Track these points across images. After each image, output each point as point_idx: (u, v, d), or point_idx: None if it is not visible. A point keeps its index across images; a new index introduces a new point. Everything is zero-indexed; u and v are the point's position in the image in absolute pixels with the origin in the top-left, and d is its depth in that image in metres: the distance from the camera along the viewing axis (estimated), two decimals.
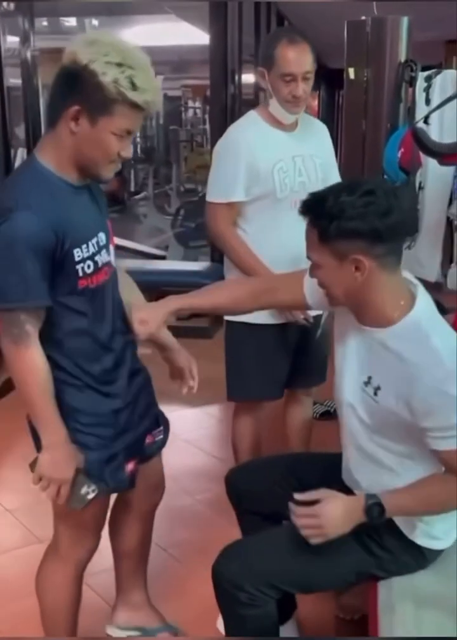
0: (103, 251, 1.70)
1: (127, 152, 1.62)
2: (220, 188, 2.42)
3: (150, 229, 7.17)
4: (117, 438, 1.76)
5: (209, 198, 2.46)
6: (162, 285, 5.41)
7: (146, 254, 5.99)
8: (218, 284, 2.13)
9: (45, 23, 6.96)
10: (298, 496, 1.60)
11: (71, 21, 7.62)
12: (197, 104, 13.20)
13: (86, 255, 1.63)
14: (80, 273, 1.62)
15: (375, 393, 1.60)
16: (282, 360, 2.54)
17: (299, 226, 2.51)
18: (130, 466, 1.80)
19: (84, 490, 1.68)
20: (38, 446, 1.74)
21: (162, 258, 6.25)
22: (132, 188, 9.92)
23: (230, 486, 2.05)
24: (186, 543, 2.73)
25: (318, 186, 2.51)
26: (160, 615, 2.22)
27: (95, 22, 8.01)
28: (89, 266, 1.64)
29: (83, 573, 1.92)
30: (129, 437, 1.80)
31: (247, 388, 2.58)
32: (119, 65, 1.50)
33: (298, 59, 2.30)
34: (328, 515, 1.56)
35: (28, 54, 5.20)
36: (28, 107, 5.30)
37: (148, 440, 1.90)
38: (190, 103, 13.03)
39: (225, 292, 2.01)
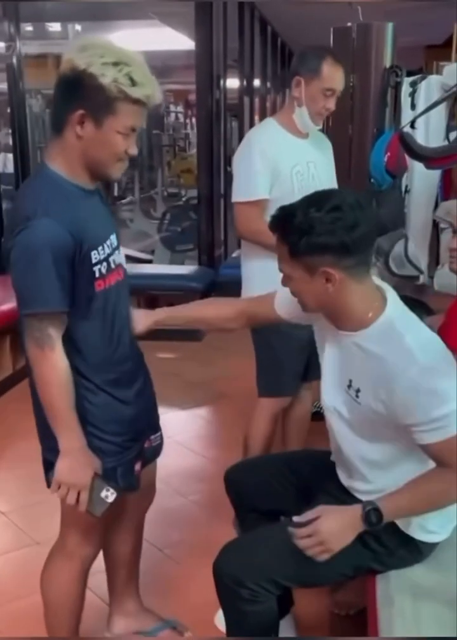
0: (116, 252, 1.74)
1: (133, 150, 1.64)
2: (246, 187, 2.54)
3: (136, 233, 7.18)
4: (131, 443, 1.79)
5: (235, 199, 2.59)
6: (149, 288, 5.44)
7: (132, 258, 6.01)
8: (206, 300, 2.22)
9: (30, 28, 6.95)
10: (296, 519, 1.62)
11: (55, 26, 7.61)
12: (179, 108, 13.22)
13: (102, 257, 1.66)
14: (97, 274, 1.66)
15: (356, 396, 1.64)
16: (301, 356, 2.64)
17: None
18: (137, 467, 1.82)
19: (103, 493, 1.68)
20: (46, 451, 1.76)
21: (149, 262, 6.26)
22: (115, 193, 9.92)
23: (229, 483, 2.07)
24: (181, 543, 2.76)
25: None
26: (156, 615, 2.25)
27: (78, 27, 8.00)
28: (104, 268, 1.67)
29: (88, 571, 1.94)
30: (140, 441, 1.84)
31: (280, 385, 2.68)
32: (116, 64, 1.54)
33: (341, 78, 2.53)
34: (327, 531, 1.58)
35: (14, 59, 5.21)
36: (15, 112, 5.30)
37: (146, 444, 1.92)
38: (172, 108, 13.03)
39: (211, 308, 2.09)
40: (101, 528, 1.88)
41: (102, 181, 1.72)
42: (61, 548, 1.89)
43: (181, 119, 12.97)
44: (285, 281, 1.65)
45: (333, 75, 2.50)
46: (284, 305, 1.86)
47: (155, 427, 1.97)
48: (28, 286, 1.58)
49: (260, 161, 2.51)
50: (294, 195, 2.46)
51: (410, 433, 1.56)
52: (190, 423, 3.95)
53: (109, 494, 1.69)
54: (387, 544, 1.71)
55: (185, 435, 3.72)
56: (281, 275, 1.66)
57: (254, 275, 2.64)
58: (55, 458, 1.71)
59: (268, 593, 1.69)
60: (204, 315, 2.06)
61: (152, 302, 5.64)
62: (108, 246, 1.69)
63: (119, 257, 1.76)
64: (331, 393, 1.73)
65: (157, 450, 1.99)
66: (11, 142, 5.57)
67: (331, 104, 2.53)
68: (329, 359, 1.73)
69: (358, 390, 1.63)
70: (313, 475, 1.91)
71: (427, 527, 1.72)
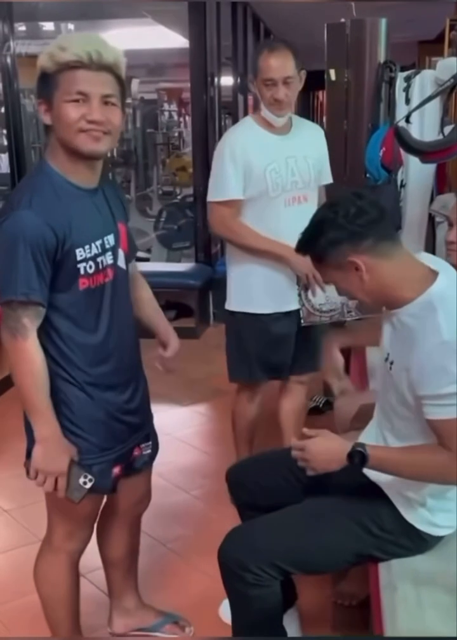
0: (108, 253, 1.72)
1: (93, 115, 1.58)
2: (219, 188, 2.61)
3: (132, 232, 7.16)
4: (110, 445, 1.78)
5: (209, 198, 2.66)
6: None
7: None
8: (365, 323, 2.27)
9: (23, 28, 6.95)
10: (293, 441, 1.76)
11: (49, 26, 7.61)
12: (173, 107, 13.21)
13: (88, 255, 1.65)
14: (82, 272, 1.65)
15: (390, 368, 1.70)
16: (281, 347, 2.72)
17: (291, 221, 2.63)
18: (116, 470, 1.81)
19: (81, 480, 1.70)
20: (29, 442, 1.76)
21: (146, 260, 6.27)
22: None
23: (231, 483, 2.09)
24: (184, 537, 2.78)
25: (311, 185, 2.70)
26: (156, 611, 2.26)
27: (71, 26, 8.00)
28: (90, 267, 1.66)
29: (78, 564, 1.95)
30: (123, 446, 1.83)
31: (246, 370, 2.78)
32: (52, 46, 1.58)
33: (278, 65, 2.52)
34: (315, 451, 1.69)
35: (8, 59, 5.21)
36: (9, 112, 5.30)
37: (135, 452, 1.91)
38: (166, 106, 13.03)
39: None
40: (87, 524, 1.89)
41: (88, 160, 1.65)
42: (49, 544, 1.90)
43: (175, 118, 12.97)
44: (337, 290, 1.76)
45: (268, 65, 2.52)
46: None
47: (147, 436, 1.96)
48: (3, 275, 1.59)
49: (232, 162, 2.57)
50: (269, 193, 2.61)
51: (420, 407, 1.60)
52: (189, 419, 3.97)
53: (87, 481, 1.71)
54: (391, 531, 1.73)
55: (185, 432, 3.74)
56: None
57: (235, 275, 2.76)
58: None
59: (271, 578, 1.71)
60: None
61: None
62: (98, 246, 1.68)
63: (112, 258, 1.73)
64: (378, 371, 1.84)
65: (147, 459, 1.98)
66: (5, 142, 5.57)
67: (279, 94, 2.53)
68: (383, 340, 1.80)
69: (392, 363, 1.70)
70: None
71: (433, 521, 1.74)
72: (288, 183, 2.62)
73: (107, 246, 1.71)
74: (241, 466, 2.14)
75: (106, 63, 1.58)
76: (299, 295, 2.67)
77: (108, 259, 1.72)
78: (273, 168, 2.59)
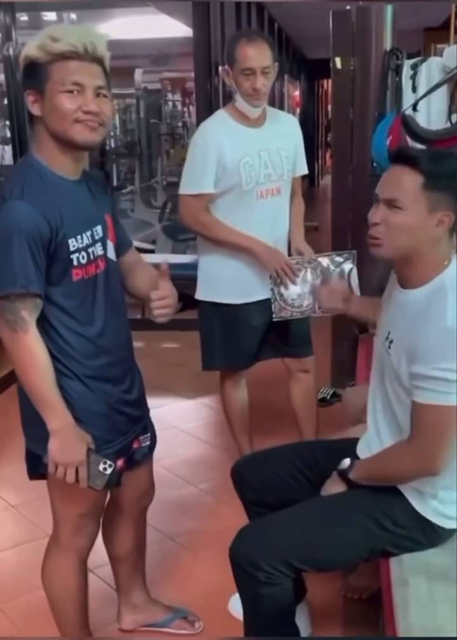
0: (98, 244, 1.72)
1: (89, 106, 1.58)
2: (191, 181, 2.63)
3: (137, 223, 7.15)
4: (112, 438, 1.76)
5: (181, 191, 2.69)
6: None
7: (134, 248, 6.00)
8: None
9: (25, 18, 6.90)
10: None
11: (51, 16, 7.55)
12: (177, 97, 13.15)
13: (80, 246, 1.65)
14: (75, 263, 1.65)
15: (389, 347, 1.69)
16: (248, 335, 2.77)
17: (263, 214, 2.68)
18: (119, 463, 1.79)
19: (101, 466, 1.67)
20: (28, 442, 1.77)
21: (151, 251, 6.25)
22: (114, 183, 9.88)
23: (236, 478, 2.07)
24: (193, 532, 2.77)
25: (285, 177, 2.75)
26: (165, 606, 2.25)
27: (73, 16, 7.94)
28: (83, 257, 1.66)
29: (86, 561, 1.94)
30: (124, 439, 1.82)
31: (215, 359, 2.84)
32: (43, 36, 1.58)
33: (256, 55, 2.52)
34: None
35: (11, 51, 5.18)
36: (12, 103, 5.27)
37: (135, 445, 1.90)
38: (170, 96, 12.97)
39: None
40: (93, 519, 1.87)
41: (79, 151, 1.67)
42: (55, 544, 1.89)
43: (179, 108, 12.91)
44: (391, 215, 1.62)
45: (246, 55, 2.51)
46: None
47: (145, 428, 1.95)
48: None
49: (204, 157, 2.58)
50: (242, 187, 2.62)
51: (410, 387, 1.61)
52: (196, 412, 3.95)
53: (107, 467, 1.68)
54: (404, 525, 1.72)
55: (192, 425, 3.73)
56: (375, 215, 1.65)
57: (204, 265, 2.79)
58: (36, 448, 1.73)
59: (283, 576, 1.70)
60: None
61: None
62: (88, 237, 1.68)
63: (102, 249, 1.73)
64: (376, 350, 1.82)
65: (147, 451, 1.97)
66: (8, 134, 5.54)
67: (257, 83, 2.52)
68: (383, 319, 1.79)
69: (391, 341, 1.69)
70: (327, 465, 1.91)
71: (445, 513, 1.72)
72: (261, 176, 2.65)
73: (96, 237, 1.71)
74: (245, 463, 2.13)
75: (99, 55, 1.60)
76: (272, 290, 2.67)
77: (98, 250, 1.72)
78: (246, 161, 2.60)
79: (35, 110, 1.61)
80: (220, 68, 2.70)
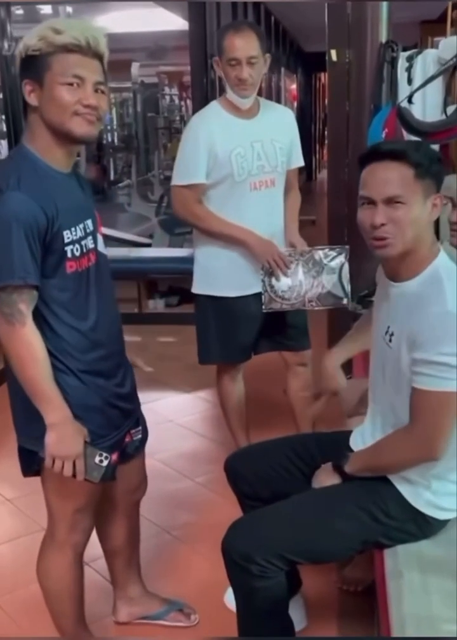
0: (89, 238, 1.72)
1: (88, 100, 1.60)
2: (183, 171, 2.64)
3: (134, 217, 7.14)
4: (106, 432, 1.76)
5: (173, 182, 2.69)
6: (149, 272, 5.43)
7: (131, 242, 5.99)
8: (359, 329, 2.16)
9: (20, 12, 6.87)
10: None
11: (46, 9, 7.52)
12: (174, 91, 13.11)
13: (74, 238, 1.66)
14: (69, 255, 1.65)
15: (390, 340, 1.70)
16: (244, 328, 2.76)
17: (257, 205, 2.68)
18: (114, 457, 1.78)
19: (97, 459, 1.67)
20: (21, 438, 1.77)
21: (148, 245, 6.24)
22: (111, 178, 9.87)
23: (230, 472, 2.08)
24: (189, 525, 2.77)
25: (279, 169, 2.72)
26: (160, 599, 2.25)
27: (69, 9, 7.90)
28: (77, 249, 1.66)
29: (83, 555, 1.93)
30: (117, 432, 1.82)
31: (212, 353, 2.83)
32: (44, 28, 1.59)
33: (242, 45, 2.52)
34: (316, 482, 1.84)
35: (5, 44, 5.16)
36: (7, 98, 5.26)
37: (126, 439, 1.91)
38: (167, 90, 12.94)
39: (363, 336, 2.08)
40: (88, 514, 1.87)
41: (74, 144, 1.68)
42: (51, 539, 1.88)
43: (176, 101, 12.88)
44: (392, 212, 1.63)
45: (232, 45, 2.52)
46: None
47: (137, 421, 1.95)
48: None
49: (196, 147, 2.58)
50: (234, 178, 2.62)
51: (411, 374, 1.61)
52: (193, 406, 3.95)
53: (103, 459, 1.68)
54: (396, 518, 1.72)
55: (188, 418, 3.73)
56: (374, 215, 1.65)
57: (200, 258, 2.79)
58: (29, 445, 1.73)
59: (277, 569, 1.70)
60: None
61: (151, 286, 5.64)
62: (81, 229, 1.68)
63: (92, 242, 1.74)
64: (374, 347, 1.83)
65: (139, 444, 1.97)
66: (4, 128, 5.53)
67: (242, 73, 2.52)
68: (378, 316, 1.80)
69: (392, 334, 1.69)
70: (321, 457, 1.92)
71: (439, 504, 1.73)
72: (254, 168, 2.64)
73: (87, 231, 1.72)
74: (238, 456, 2.13)
75: (100, 51, 1.61)
76: (263, 281, 2.67)
77: (89, 243, 1.72)
78: (238, 152, 2.60)
79: (32, 100, 1.61)
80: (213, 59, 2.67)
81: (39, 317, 1.63)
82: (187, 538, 2.69)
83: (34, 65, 1.58)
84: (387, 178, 1.63)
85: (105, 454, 1.68)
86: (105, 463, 1.68)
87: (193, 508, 2.89)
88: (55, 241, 1.61)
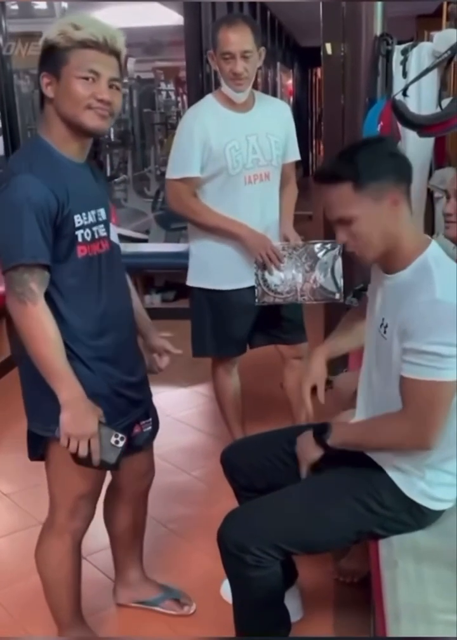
0: (101, 226, 1.76)
1: (102, 94, 1.65)
2: (177, 165, 2.64)
3: (130, 212, 7.13)
4: (109, 421, 1.76)
5: (168, 175, 2.69)
6: (145, 267, 5.43)
7: (127, 238, 5.98)
8: (344, 327, 2.11)
9: (15, 7, 6.85)
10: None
11: (41, 5, 7.50)
12: (170, 86, 13.09)
13: (85, 223, 1.70)
14: (80, 239, 1.69)
15: (384, 332, 1.70)
16: (239, 321, 2.76)
17: (251, 199, 2.69)
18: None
19: (112, 440, 1.68)
20: (30, 422, 1.78)
21: (144, 241, 6.24)
22: (108, 173, 9.86)
23: (225, 463, 2.08)
24: (185, 518, 2.78)
25: (274, 162, 2.73)
26: (158, 586, 2.29)
27: (65, 5, 7.88)
28: (87, 234, 1.70)
29: (81, 544, 1.95)
30: (121, 420, 1.82)
31: (207, 346, 2.83)
32: (64, 23, 1.65)
33: (236, 39, 2.51)
34: (299, 441, 1.87)
35: (0, 40, 5.15)
36: (2, 94, 5.24)
37: (136, 430, 1.93)
38: (163, 86, 12.92)
39: (355, 333, 2.05)
40: (90, 502, 1.89)
41: (87, 137, 1.72)
42: (51, 526, 1.90)
43: (173, 97, 12.86)
44: (347, 231, 1.64)
45: (227, 39, 2.51)
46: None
47: (146, 413, 1.97)
48: (8, 239, 1.61)
49: (190, 140, 2.58)
50: (229, 171, 2.62)
51: (401, 363, 1.62)
52: (190, 400, 3.96)
53: (119, 440, 1.68)
54: (391, 508, 1.73)
55: (186, 412, 3.74)
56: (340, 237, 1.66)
57: (195, 251, 2.78)
58: (38, 429, 1.76)
59: (272, 559, 1.71)
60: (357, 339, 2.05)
61: (148, 281, 5.64)
62: (93, 216, 1.73)
63: (104, 231, 1.77)
64: (369, 340, 1.83)
65: (148, 436, 1.99)
66: None
67: (236, 67, 2.52)
68: (373, 310, 1.79)
69: (386, 326, 1.69)
70: None
71: (433, 495, 1.73)
72: (249, 161, 2.64)
73: (100, 219, 1.76)
74: (234, 448, 2.13)
75: (117, 48, 1.67)
76: (256, 274, 2.67)
77: (101, 231, 1.76)
78: (233, 146, 2.60)
79: (49, 92, 1.66)
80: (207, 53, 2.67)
81: (49, 302, 1.65)
82: (183, 531, 2.70)
83: (53, 59, 1.64)
84: (329, 201, 1.65)
85: (120, 435, 1.69)
86: (121, 443, 1.68)
87: (189, 501, 2.90)
88: (66, 225, 1.65)
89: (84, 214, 1.69)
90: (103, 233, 1.76)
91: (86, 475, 1.76)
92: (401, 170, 1.65)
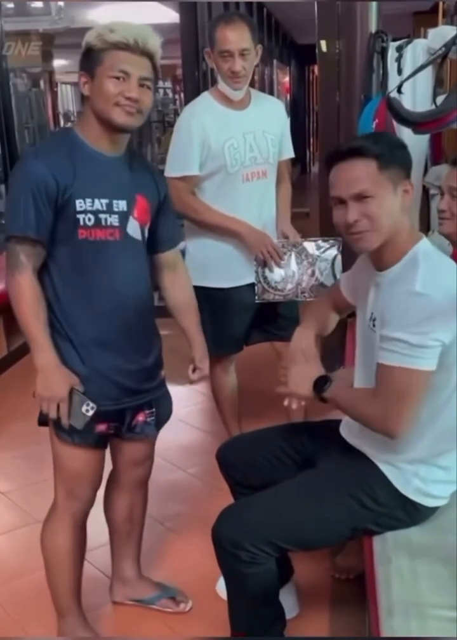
0: (114, 216, 1.82)
1: (131, 93, 1.74)
2: (176, 163, 2.64)
3: None
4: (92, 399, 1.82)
5: (166, 173, 2.65)
6: None
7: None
8: (314, 312, 2.11)
9: (11, 5, 6.85)
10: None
11: (37, 3, 7.49)
12: (167, 84, 13.08)
13: (89, 208, 1.78)
14: (81, 223, 1.77)
15: (373, 325, 1.71)
16: (238, 319, 2.77)
17: (249, 197, 2.69)
18: (101, 427, 1.88)
19: (83, 408, 1.78)
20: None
21: None
22: None
23: (220, 461, 2.09)
24: (181, 515, 2.79)
25: (271, 160, 2.73)
26: (154, 584, 2.29)
27: (61, 3, 7.87)
28: (89, 219, 1.78)
29: (83, 530, 2.01)
30: (107, 403, 1.86)
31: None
32: (102, 27, 1.76)
33: (234, 37, 2.53)
34: (293, 369, 1.86)
35: None
36: None
37: (139, 418, 1.97)
38: (160, 84, 12.91)
39: (325, 319, 2.09)
40: (85, 482, 1.95)
41: (116, 132, 1.81)
42: (53, 509, 1.98)
43: (170, 95, 12.85)
44: (362, 207, 1.64)
45: (225, 37, 2.52)
46: (345, 285, 1.99)
47: (150, 403, 2.00)
48: (8, 213, 1.77)
49: (189, 138, 2.59)
50: (227, 169, 2.63)
51: (378, 351, 1.63)
52: (188, 398, 3.95)
53: (89, 409, 1.79)
54: (385, 505, 1.73)
55: (183, 410, 3.74)
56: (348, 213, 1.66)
57: (193, 249, 2.77)
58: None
59: (266, 555, 1.71)
60: (327, 328, 2.10)
61: None
62: (103, 204, 1.79)
63: (117, 221, 1.82)
64: (359, 336, 1.85)
65: (150, 427, 2.02)
66: None
67: (235, 65, 2.53)
68: (363, 307, 1.81)
69: (375, 320, 1.70)
70: (312, 445, 1.93)
71: (427, 491, 1.74)
72: (246, 159, 2.65)
73: (115, 209, 1.82)
74: (230, 445, 2.14)
75: (149, 50, 1.76)
76: (256, 271, 2.68)
77: (113, 220, 1.82)
78: (231, 144, 2.61)
79: (85, 90, 1.80)
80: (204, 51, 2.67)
81: (48, 279, 1.79)
82: (179, 528, 2.70)
83: (89, 59, 1.77)
84: (352, 176, 1.65)
85: (91, 405, 1.79)
86: (91, 412, 1.79)
87: (185, 499, 2.90)
88: (67, 207, 1.75)
89: (88, 200, 1.77)
90: (115, 223, 1.82)
91: (73, 454, 1.87)
92: (410, 164, 1.71)
